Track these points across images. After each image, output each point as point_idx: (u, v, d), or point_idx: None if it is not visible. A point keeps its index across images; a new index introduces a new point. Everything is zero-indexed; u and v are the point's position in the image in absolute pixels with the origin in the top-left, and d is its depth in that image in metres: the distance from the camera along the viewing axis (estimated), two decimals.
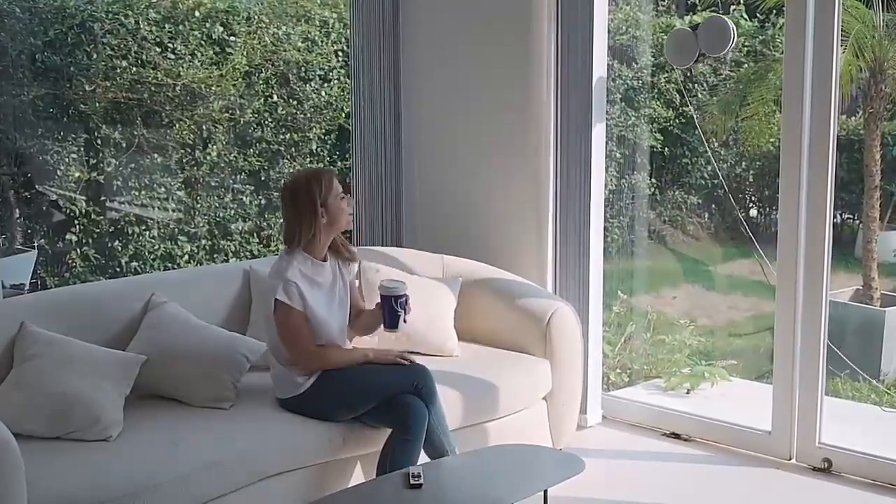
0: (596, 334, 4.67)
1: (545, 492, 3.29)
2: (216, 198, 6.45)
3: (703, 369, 5.13)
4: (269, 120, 6.48)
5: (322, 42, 6.60)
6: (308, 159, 6.58)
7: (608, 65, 4.70)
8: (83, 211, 6.11)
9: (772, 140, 6.23)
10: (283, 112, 6.50)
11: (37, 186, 6.15)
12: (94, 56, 6.03)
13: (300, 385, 3.49)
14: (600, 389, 4.75)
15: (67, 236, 6.07)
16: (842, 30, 4.01)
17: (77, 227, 6.07)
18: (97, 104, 6.09)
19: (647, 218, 6.57)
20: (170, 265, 6.24)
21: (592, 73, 4.45)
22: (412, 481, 3.03)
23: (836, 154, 3.99)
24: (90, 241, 6.10)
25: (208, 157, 6.36)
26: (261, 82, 6.45)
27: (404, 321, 3.52)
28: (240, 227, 6.53)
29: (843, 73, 5.28)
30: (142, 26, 6.10)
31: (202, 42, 6.27)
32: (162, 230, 6.31)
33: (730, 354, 5.64)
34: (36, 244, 6.10)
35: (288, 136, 6.53)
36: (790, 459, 4.20)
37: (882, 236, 6.00)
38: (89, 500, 2.86)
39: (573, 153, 4.51)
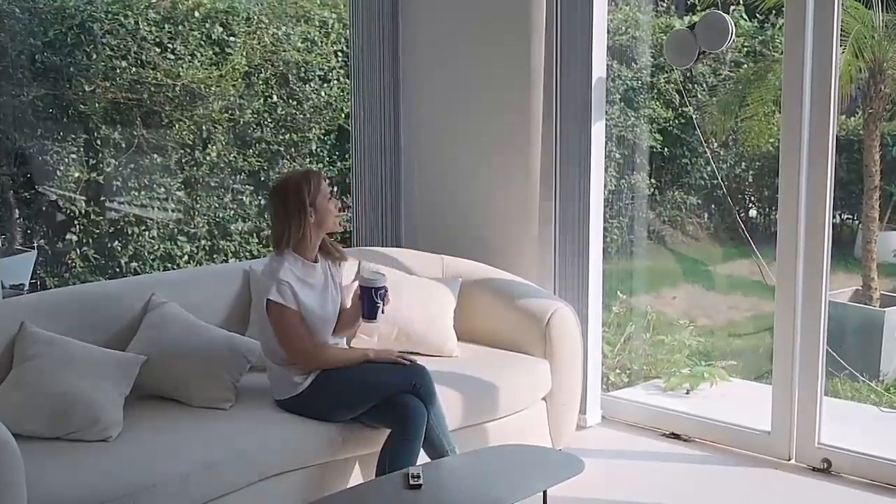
0: (595, 334, 4.67)
1: (545, 492, 3.29)
2: (216, 198, 6.45)
3: (702, 369, 5.13)
4: (269, 120, 6.48)
5: (322, 42, 6.59)
6: (308, 160, 6.58)
7: (608, 65, 4.70)
8: (83, 211, 6.10)
9: (771, 140, 6.23)
10: (283, 112, 6.50)
11: (36, 187, 6.14)
12: (94, 56, 6.03)
13: (298, 385, 3.49)
14: (600, 390, 4.76)
15: (67, 236, 6.07)
16: (841, 30, 4.01)
17: (77, 227, 6.07)
18: (97, 104, 6.09)
19: (647, 218, 6.57)
20: (169, 265, 6.24)
21: (592, 74, 4.45)
22: (412, 482, 3.03)
23: (835, 154, 3.99)
24: (90, 241, 6.10)
25: (208, 158, 6.36)
26: (260, 83, 6.45)
27: (382, 312, 3.54)
28: (239, 228, 6.53)
29: (843, 73, 5.28)
30: (141, 27, 6.10)
31: (202, 42, 6.27)
32: (162, 230, 6.31)
33: (729, 355, 5.64)
34: (35, 244, 6.10)
35: (287, 136, 6.53)
36: (789, 460, 4.20)
37: (881, 236, 6.00)
38: (89, 501, 2.86)
39: (573, 153, 4.52)
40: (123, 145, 6.20)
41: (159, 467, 3.06)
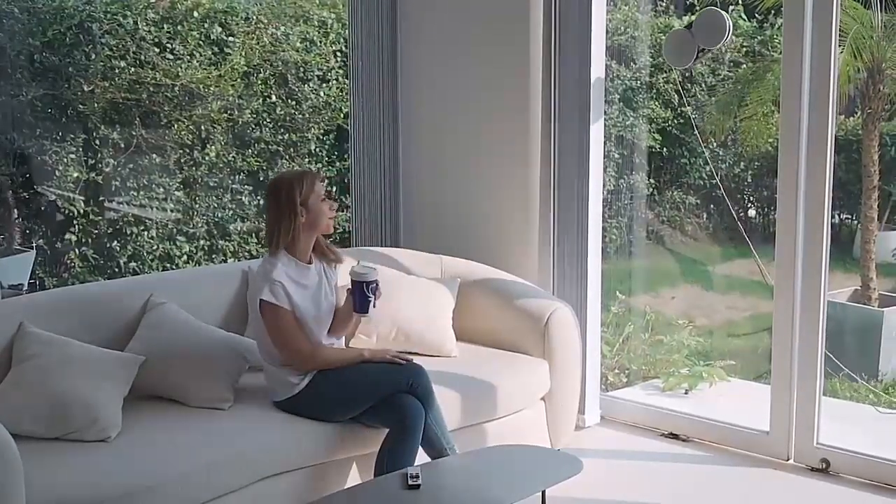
0: (594, 335, 4.67)
1: (543, 492, 3.29)
2: (215, 198, 6.46)
3: (701, 369, 5.13)
4: (268, 120, 6.48)
5: (320, 42, 6.60)
6: (306, 159, 6.58)
7: (606, 65, 4.70)
8: (82, 211, 6.11)
9: (770, 140, 6.23)
10: (282, 112, 6.50)
11: (35, 187, 6.15)
12: (93, 56, 6.03)
13: (295, 386, 3.49)
14: (598, 390, 4.75)
15: (66, 236, 6.07)
16: (840, 30, 4.01)
17: (76, 227, 6.07)
18: (96, 104, 6.09)
19: (646, 218, 6.58)
20: (168, 265, 6.24)
21: (591, 74, 4.45)
22: (410, 482, 3.03)
23: (834, 154, 3.99)
24: (89, 241, 6.10)
25: (207, 158, 6.36)
26: (259, 83, 6.45)
27: (374, 306, 3.53)
28: (238, 228, 6.53)
29: (842, 73, 5.29)
30: (140, 27, 6.10)
31: (201, 42, 6.28)
32: (160, 230, 6.31)
33: (728, 355, 5.63)
34: (34, 244, 6.11)
35: (286, 136, 6.53)
36: (788, 460, 4.20)
37: (880, 236, 6.00)
38: (88, 501, 2.86)
39: (571, 153, 4.51)
40: (122, 145, 6.20)
41: (158, 468, 3.06)
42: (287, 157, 6.55)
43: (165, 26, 6.17)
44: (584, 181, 4.51)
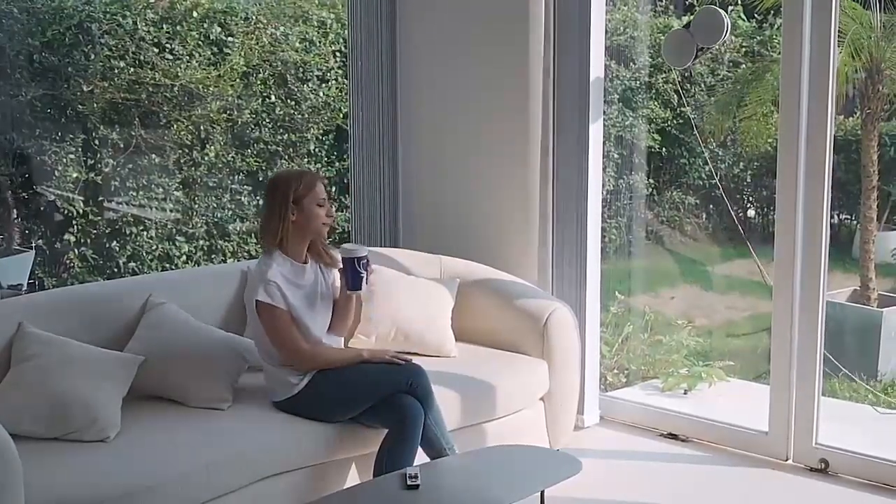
0: (593, 335, 4.67)
1: (542, 492, 3.29)
2: (214, 198, 6.45)
3: (700, 370, 5.13)
4: (267, 120, 6.48)
5: (320, 42, 6.60)
6: (306, 160, 6.58)
7: (606, 65, 4.70)
8: (81, 211, 6.11)
9: (769, 140, 6.23)
10: (281, 112, 6.50)
11: (35, 187, 6.14)
12: (92, 56, 6.03)
13: (294, 386, 3.49)
14: (598, 390, 4.76)
15: (65, 237, 6.07)
16: (839, 30, 4.01)
17: (75, 227, 6.07)
18: (95, 105, 6.09)
19: (645, 218, 6.58)
20: (168, 266, 6.24)
21: (590, 74, 4.45)
22: (409, 482, 3.03)
23: (833, 154, 3.99)
24: (88, 241, 6.10)
25: (206, 158, 6.36)
26: (258, 83, 6.45)
27: (366, 282, 3.55)
28: (238, 228, 6.53)
29: (841, 73, 5.29)
30: (139, 27, 6.10)
31: (200, 42, 6.27)
32: (160, 231, 6.31)
33: (727, 355, 5.64)
34: (34, 244, 6.10)
35: (286, 136, 6.53)
36: (787, 460, 4.20)
37: (879, 237, 6.00)
38: (87, 501, 2.86)
39: (571, 154, 4.52)
40: (122, 145, 6.20)
41: (158, 468, 3.06)
42: (286, 157, 6.55)
43: (165, 26, 6.16)
44: (583, 181, 4.51)
